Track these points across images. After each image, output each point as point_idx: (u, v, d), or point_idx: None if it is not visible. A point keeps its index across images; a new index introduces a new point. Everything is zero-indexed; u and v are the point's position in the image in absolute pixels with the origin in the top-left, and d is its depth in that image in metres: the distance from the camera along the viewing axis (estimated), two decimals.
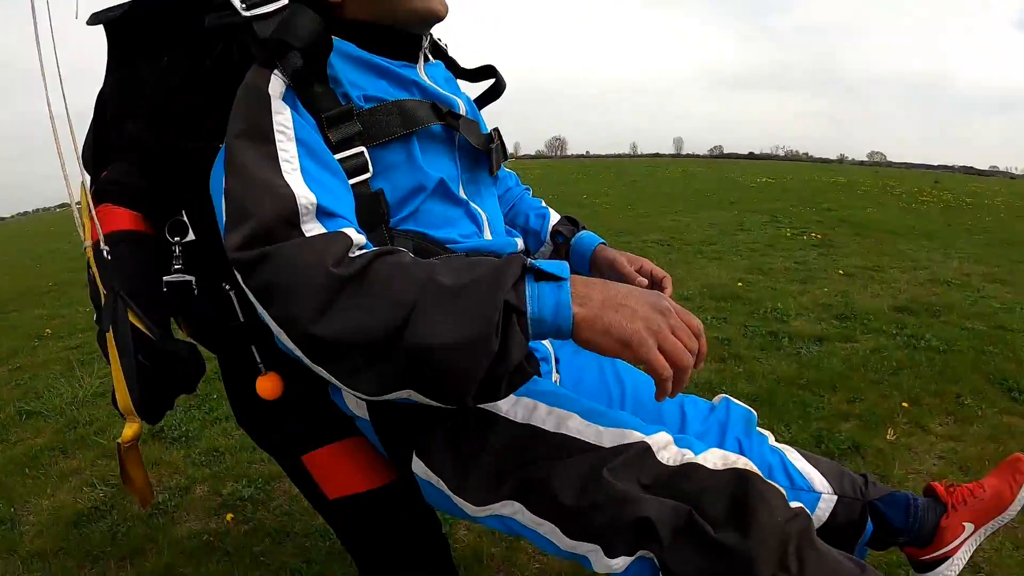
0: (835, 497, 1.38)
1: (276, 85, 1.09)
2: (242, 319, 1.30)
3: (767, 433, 1.46)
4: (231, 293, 1.30)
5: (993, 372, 4.62)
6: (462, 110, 1.35)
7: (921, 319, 5.86)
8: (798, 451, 1.43)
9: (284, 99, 1.08)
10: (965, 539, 1.43)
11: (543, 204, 1.75)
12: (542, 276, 0.92)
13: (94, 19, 1.27)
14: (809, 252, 9.12)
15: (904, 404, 4.01)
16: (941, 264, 8.51)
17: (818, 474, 1.39)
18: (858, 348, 5.11)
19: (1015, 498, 1.47)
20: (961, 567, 1.44)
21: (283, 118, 1.05)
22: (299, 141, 1.04)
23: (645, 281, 1.44)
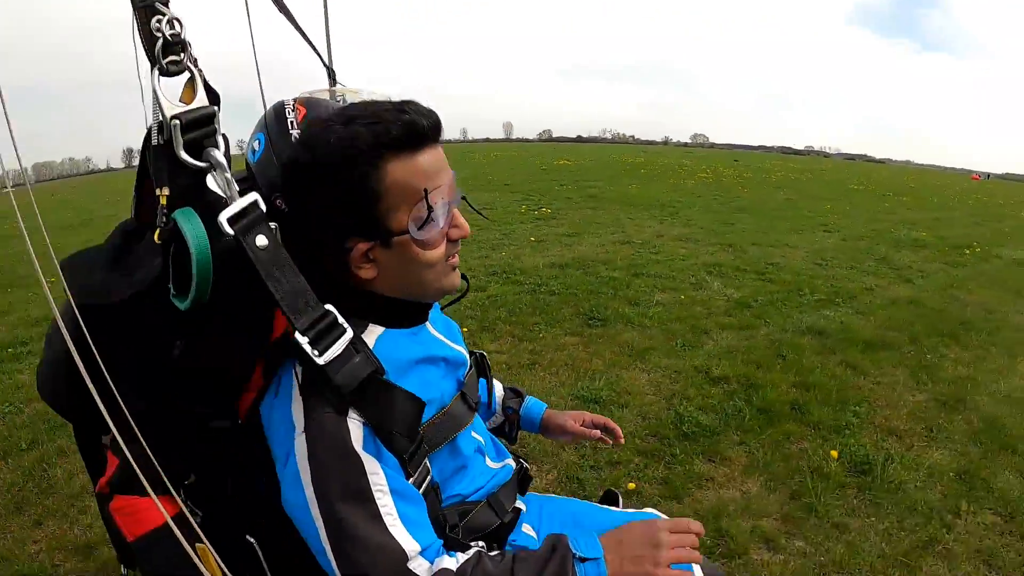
0: None
1: (357, 433, 1.12)
2: (268, 574, 1.31)
3: None
4: (258, 549, 1.29)
5: (588, 307, 5.27)
6: (468, 365, 1.50)
7: (566, 271, 6.46)
8: None
9: (366, 447, 1.12)
10: None
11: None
12: (583, 558, 1.19)
13: (91, 297, 1.07)
14: (525, 225, 9.70)
15: (465, 328, 4.44)
16: (643, 229, 9.32)
17: None
18: (480, 296, 5.60)
19: None
20: None
21: (378, 478, 1.12)
22: (393, 492, 1.13)
23: (597, 433, 1.79)
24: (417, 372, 1.29)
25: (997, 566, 2.56)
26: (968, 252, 8.45)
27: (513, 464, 1.62)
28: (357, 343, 1.10)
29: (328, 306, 1.08)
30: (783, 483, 2.86)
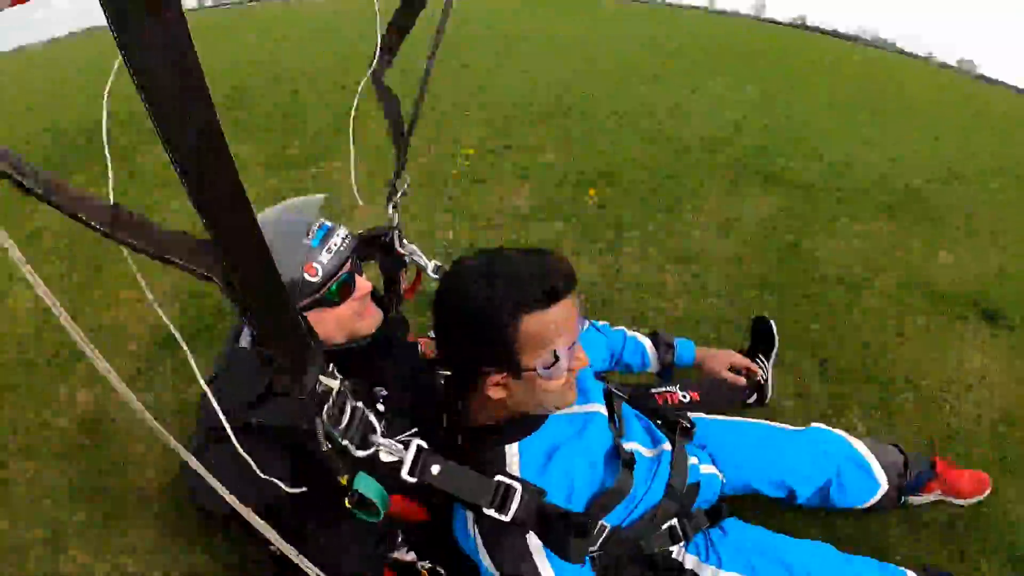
0: (887, 486, 2.01)
1: (535, 543, 1.37)
2: None
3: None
4: None
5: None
6: (604, 412, 1.67)
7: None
8: (878, 462, 2.02)
9: (547, 552, 1.37)
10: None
11: (625, 335, 2.08)
12: None
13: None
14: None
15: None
16: (710, 88, 8.04)
17: (883, 471, 2.01)
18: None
19: (971, 497, 2.15)
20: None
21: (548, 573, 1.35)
22: (558, 569, 1.36)
23: (742, 380, 2.04)
24: (554, 465, 1.45)
25: None
26: None
27: (667, 447, 1.74)
28: (525, 486, 1.32)
29: (498, 477, 1.32)
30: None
